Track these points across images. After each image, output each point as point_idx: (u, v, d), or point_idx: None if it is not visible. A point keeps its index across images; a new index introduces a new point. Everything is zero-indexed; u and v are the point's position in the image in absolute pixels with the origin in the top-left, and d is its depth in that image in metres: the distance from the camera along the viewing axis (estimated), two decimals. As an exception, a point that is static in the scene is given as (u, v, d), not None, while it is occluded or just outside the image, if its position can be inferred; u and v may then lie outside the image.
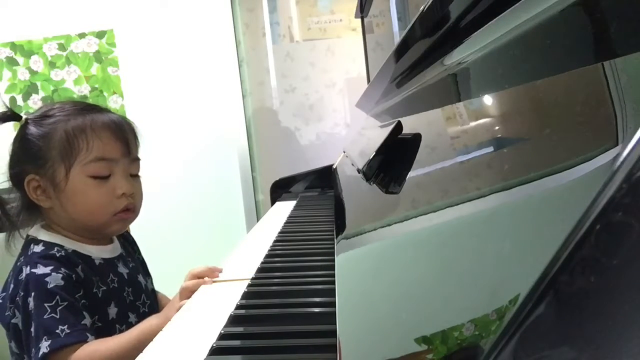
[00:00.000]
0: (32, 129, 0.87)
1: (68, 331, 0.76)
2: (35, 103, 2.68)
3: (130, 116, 0.90)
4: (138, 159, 0.94)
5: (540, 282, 0.19)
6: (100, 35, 2.67)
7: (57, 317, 0.77)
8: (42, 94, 2.70)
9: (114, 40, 2.67)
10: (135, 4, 2.65)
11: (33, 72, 2.69)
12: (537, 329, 0.19)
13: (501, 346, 0.19)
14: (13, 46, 2.68)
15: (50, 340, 0.75)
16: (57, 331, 0.76)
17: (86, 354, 0.76)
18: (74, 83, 2.69)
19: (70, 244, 0.87)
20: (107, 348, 0.78)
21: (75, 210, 0.87)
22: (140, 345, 0.75)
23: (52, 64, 2.68)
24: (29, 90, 2.70)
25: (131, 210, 0.91)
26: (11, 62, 2.68)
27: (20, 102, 2.70)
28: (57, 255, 0.83)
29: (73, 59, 2.68)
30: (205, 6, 2.63)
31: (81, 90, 2.69)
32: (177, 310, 0.77)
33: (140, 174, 0.95)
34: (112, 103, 2.69)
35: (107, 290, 0.86)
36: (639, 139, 0.18)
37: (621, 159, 0.18)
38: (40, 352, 0.75)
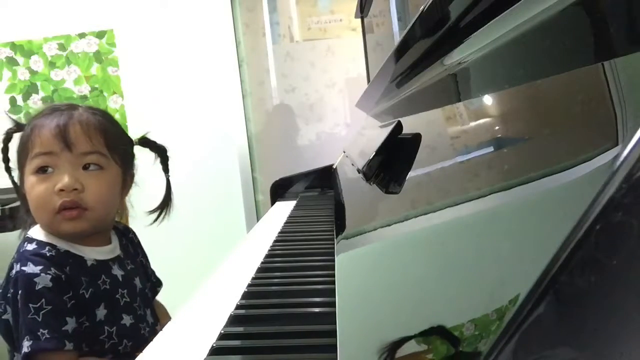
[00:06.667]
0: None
1: (48, 336, 0.76)
2: (35, 103, 2.68)
3: (130, 116, 0.89)
4: (94, 152, 0.87)
5: (540, 282, 0.19)
6: (100, 35, 2.67)
7: (39, 319, 0.77)
8: (42, 94, 2.70)
9: (114, 40, 2.67)
10: (135, 4, 2.65)
11: (33, 72, 2.69)
12: (537, 329, 0.19)
13: (501, 346, 0.19)
14: (13, 46, 2.68)
15: (31, 341, 0.76)
16: (38, 333, 0.76)
17: None
18: (74, 83, 2.69)
19: (63, 244, 0.86)
20: None
21: (32, 212, 0.88)
22: None
23: (52, 64, 2.68)
24: (29, 90, 2.70)
25: (80, 208, 0.85)
26: (11, 62, 2.68)
27: (20, 102, 2.70)
28: (48, 254, 0.83)
29: (73, 59, 2.68)
30: (205, 6, 2.63)
31: (81, 90, 2.69)
32: None
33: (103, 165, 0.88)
34: (112, 103, 2.69)
35: (95, 292, 0.85)
36: (639, 139, 0.18)
37: (621, 159, 0.18)
38: (23, 350, 0.76)
